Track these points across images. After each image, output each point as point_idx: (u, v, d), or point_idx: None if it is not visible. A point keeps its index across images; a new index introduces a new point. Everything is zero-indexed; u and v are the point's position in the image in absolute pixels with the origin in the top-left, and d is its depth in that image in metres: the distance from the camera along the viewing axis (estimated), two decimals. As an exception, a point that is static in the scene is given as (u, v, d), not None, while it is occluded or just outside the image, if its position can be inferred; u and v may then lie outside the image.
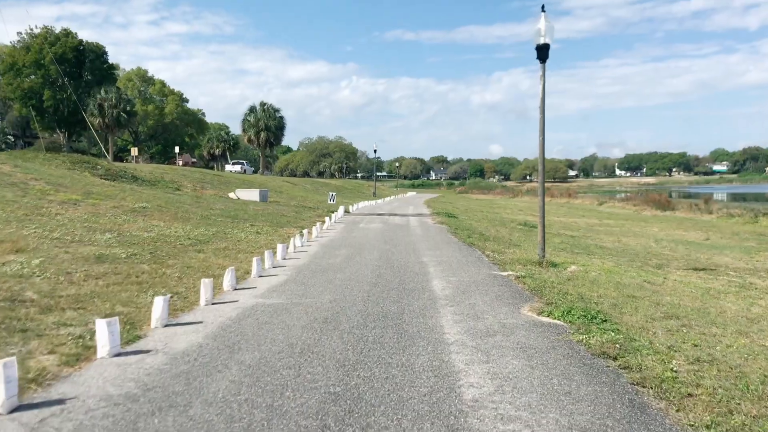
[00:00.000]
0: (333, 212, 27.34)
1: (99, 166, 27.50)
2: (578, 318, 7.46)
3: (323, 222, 22.50)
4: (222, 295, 8.97)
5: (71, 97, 70.63)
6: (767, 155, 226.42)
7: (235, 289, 9.42)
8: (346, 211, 31.37)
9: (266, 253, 12.14)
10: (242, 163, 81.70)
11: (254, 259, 10.99)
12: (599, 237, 26.39)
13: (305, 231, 18.11)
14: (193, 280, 9.98)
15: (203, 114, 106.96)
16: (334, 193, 37.44)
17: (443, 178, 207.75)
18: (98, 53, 73.96)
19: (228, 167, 78.01)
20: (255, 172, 77.08)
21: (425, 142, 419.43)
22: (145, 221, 17.26)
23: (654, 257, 19.37)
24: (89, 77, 72.51)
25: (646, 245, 23.71)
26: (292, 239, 15.35)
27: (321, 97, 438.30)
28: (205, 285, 8.20)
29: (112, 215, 17.22)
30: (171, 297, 8.16)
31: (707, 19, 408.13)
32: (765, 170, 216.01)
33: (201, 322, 7.17)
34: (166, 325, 6.88)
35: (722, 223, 44.03)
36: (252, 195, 29.71)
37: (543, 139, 14.57)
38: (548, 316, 7.68)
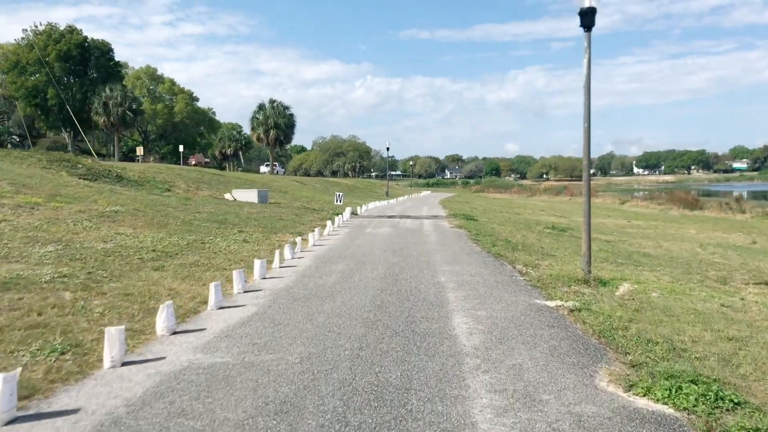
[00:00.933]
0: (338, 214, 24.56)
1: (80, 165, 24.91)
2: (694, 399, 4.59)
3: (325, 226, 19.72)
4: (148, 345, 6.19)
5: (76, 95, 68.65)
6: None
7: (174, 333, 6.65)
8: (354, 213, 28.59)
9: (236, 274, 9.35)
10: (276, 165, 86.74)
11: (212, 285, 8.17)
12: (637, 241, 23.40)
13: (299, 239, 15.31)
14: (125, 316, 7.25)
15: (213, 113, 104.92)
16: (341, 194, 34.65)
17: (458, 176, 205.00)
18: (104, 50, 71.83)
19: (263, 168, 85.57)
20: (285, 173, 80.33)
21: (440, 140, 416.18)
22: (110, 228, 14.57)
23: (709, 267, 16.44)
24: (94, 75, 70.41)
25: (692, 251, 20.72)
26: (277, 252, 12.55)
27: (335, 96, 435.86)
28: (112, 337, 5.39)
29: (72, 221, 14.54)
30: (56, 357, 5.40)
31: (726, 15, 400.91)
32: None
33: (75, 411, 4.38)
34: (7, 423, 4.10)
35: (760, 223, 40.85)
36: (250, 196, 27.06)
37: (588, 125, 11.71)
38: (644, 395, 4.78)
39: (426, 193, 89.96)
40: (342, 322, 7.20)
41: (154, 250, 12.53)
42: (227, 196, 27.04)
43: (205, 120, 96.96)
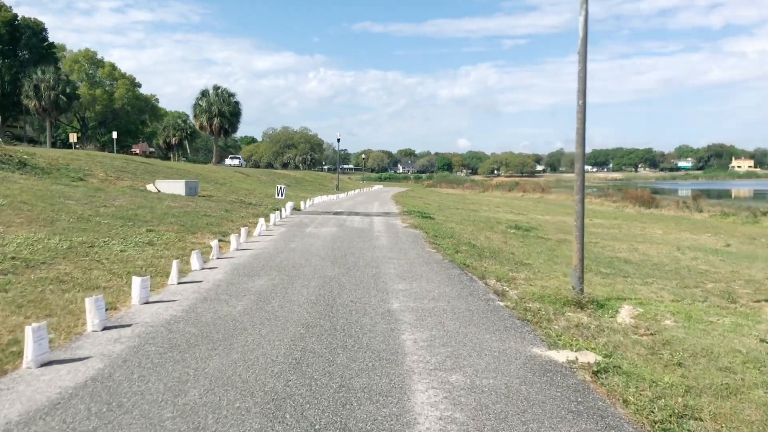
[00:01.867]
0: (277, 210, 21.48)
1: (-29, 149, 21.15)
2: None
3: (258, 224, 16.65)
4: None
5: (5, 77, 63.26)
6: (730, 152, 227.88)
7: None
8: (296, 209, 25.53)
9: (89, 303, 6.30)
10: (239, 158, 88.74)
11: (29, 329, 5.13)
12: (609, 244, 21.09)
13: (214, 243, 12.24)
14: None
15: (157, 100, 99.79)
16: (283, 186, 31.45)
17: (411, 171, 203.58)
18: (36, 30, 66.51)
19: (227, 161, 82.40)
20: (246, 165, 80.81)
21: (393, 135, 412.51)
22: (-31, 227, 11.30)
23: (702, 277, 14.14)
24: (26, 56, 65.12)
25: (672, 256, 18.48)
26: (175, 263, 9.47)
27: (288, 88, 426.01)
28: None
29: None
30: None
31: (672, 17, 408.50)
32: (728, 167, 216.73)
33: None
34: None
35: (719, 222, 39.52)
36: (176, 188, 23.72)
37: (584, 102, 9.10)
38: None
39: (378, 187, 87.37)
40: (225, 405, 4.31)
41: (13, 258, 9.36)
42: (150, 187, 23.67)
43: (148, 107, 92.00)
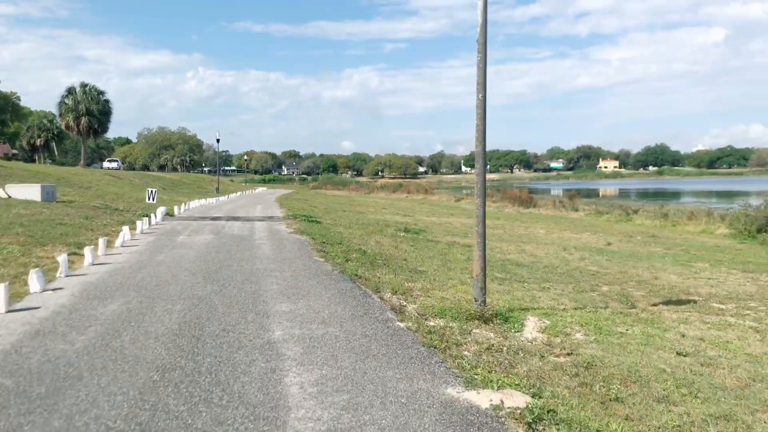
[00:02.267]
0: (146, 216, 19.43)
1: None
2: None
3: (121, 233, 14.72)
4: None
5: None
6: (597, 153, 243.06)
7: None
8: (169, 214, 23.46)
9: None
10: (117, 161, 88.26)
11: None
12: (497, 245, 20.75)
13: (62, 258, 10.36)
14: None
15: (18, 98, 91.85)
16: (154, 190, 29.03)
17: (296, 173, 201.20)
18: None
19: (105, 164, 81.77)
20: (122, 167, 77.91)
21: (277, 136, 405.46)
22: None
23: (595, 279, 13.88)
24: None
25: (560, 257, 18.37)
26: (2, 286, 7.66)
27: (166, 87, 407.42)
28: None
29: None
30: None
31: (543, 25, 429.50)
32: (596, 167, 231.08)
33: None
34: None
35: (595, 221, 41.13)
36: (30, 192, 20.98)
37: (484, 95, 8.26)
38: None
39: (262, 189, 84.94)
40: None
41: None
42: (-1, 192, 20.83)
43: (8, 106, 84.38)
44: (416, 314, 7.69)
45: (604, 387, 5.10)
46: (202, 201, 35.57)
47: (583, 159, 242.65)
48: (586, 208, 49.41)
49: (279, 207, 33.00)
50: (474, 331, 7.13)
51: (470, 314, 7.89)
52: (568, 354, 6.40)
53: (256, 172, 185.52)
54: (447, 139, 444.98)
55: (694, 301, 11.46)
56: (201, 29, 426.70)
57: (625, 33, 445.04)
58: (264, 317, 7.17)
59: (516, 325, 7.88)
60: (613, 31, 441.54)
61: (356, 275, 10.37)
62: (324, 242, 15.22)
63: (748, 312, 10.63)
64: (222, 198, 44.05)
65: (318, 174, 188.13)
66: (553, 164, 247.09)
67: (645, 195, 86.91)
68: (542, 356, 6.13)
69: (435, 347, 5.94)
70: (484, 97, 8.26)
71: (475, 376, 5.06)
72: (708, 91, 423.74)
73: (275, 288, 9.11)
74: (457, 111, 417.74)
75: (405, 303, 8.44)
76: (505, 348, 6.27)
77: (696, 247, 24.00)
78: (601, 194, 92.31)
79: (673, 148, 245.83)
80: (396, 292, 9.19)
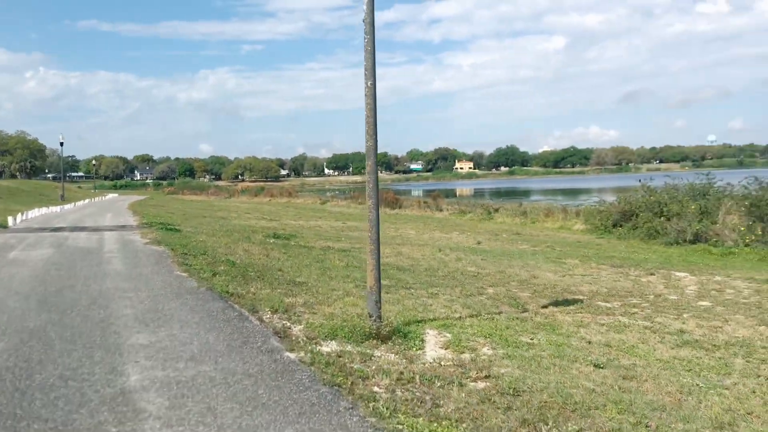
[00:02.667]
0: (-29, 230, 16.64)
1: None
2: None
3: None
4: None
5: None
6: (454, 155, 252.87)
7: None
8: (2, 225, 20.49)
9: None
10: None
11: None
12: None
13: None
14: None
15: None
16: (-16, 199, 25.53)
17: (150, 178, 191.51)
18: None
19: None
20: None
21: (128, 140, 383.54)
22: None
23: (476, 281, 13.41)
24: None
25: (437, 258, 17.93)
26: None
27: (2, 88, 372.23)
28: None
29: None
30: None
31: (398, 30, 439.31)
32: (453, 168, 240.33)
33: None
34: None
35: (459, 220, 41.86)
36: None
37: (373, 83, 7.29)
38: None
39: (113, 196, 79.43)
40: None
41: None
42: None
43: None
44: (305, 338, 6.54)
45: (547, 424, 4.25)
46: (44, 210, 31.97)
47: (441, 160, 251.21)
48: (449, 207, 50.17)
49: (132, 214, 30.29)
50: (375, 354, 6.12)
51: (366, 332, 6.89)
52: (486, 377, 5.54)
53: (106, 178, 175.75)
54: (309, 142, 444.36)
55: (581, 301, 11.21)
56: (40, 27, 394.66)
57: (474, 40, 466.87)
58: (116, 354, 5.69)
59: (416, 342, 7.00)
60: (463, 37, 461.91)
61: (227, 292, 9.00)
62: (186, 253, 13.56)
63: (635, 310, 10.47)
64: (68, 206, 40.12)
65: (174, 178, 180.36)
66: (413, 166, 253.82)
67: (498, 194, 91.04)
68: (460, 384, 5.22)
69: (339, 386, 4.81)
70: (374, 84, 7.29)
71: (399, 427, 4.01)
72: (551, 96, 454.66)
73: (130, 313, 7.56)
74: (319, 113, 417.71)
75: (289, 324, 7.26)
76: (417, 376, 5.29)
77: (560, 243, 24.58)
78: (458, 194, 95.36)
79: (522, 149, 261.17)
80: (276, 310, 7.97)
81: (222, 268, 11.59)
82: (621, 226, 27.70)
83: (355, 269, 13.73)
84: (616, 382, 5.83)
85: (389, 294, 10.81)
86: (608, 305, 10.90)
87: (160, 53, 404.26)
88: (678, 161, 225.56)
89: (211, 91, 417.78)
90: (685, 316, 9.99)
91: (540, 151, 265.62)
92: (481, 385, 5.28)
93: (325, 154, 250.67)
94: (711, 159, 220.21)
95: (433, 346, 6.98)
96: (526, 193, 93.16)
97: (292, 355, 5.68)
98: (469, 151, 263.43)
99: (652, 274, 15.15)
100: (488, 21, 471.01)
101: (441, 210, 49.96)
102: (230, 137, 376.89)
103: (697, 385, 6.02)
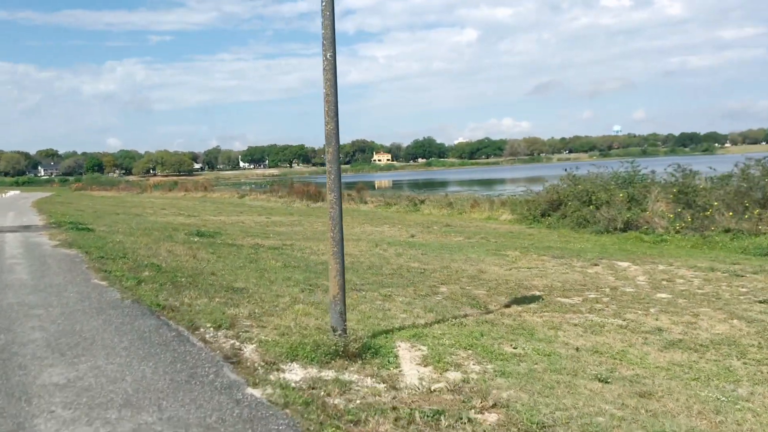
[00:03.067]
0: None
1: None
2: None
3: None
4: None
5: None
6: (372, 147, 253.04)
7: None
8: None
9: None
10: None
11: None
12: (306, 245, 18.79)
13: None
14: None
15: None
16: None
17: (55, 174, 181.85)
18: None
19: None
20: None
21: (30, 134, 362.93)
22: None
23: (425, 279, 12.54)
24: None
25: (375, 254, 17.00)
26: None
27: None
28: None
29: None
30: None
31: (311, 21, 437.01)
32: (371, 161, 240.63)
33: None
34: None
35: (386, 212, 41.14)
36: None
37: (333, 54, 6.21)
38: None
39: (14, 193, 74.33)
40: None
41: None
42: None
43: None
44: (262, 362, 5.41)
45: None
46: (-69, 210, 28.80)
47: (359, 153, 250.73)
48: (374, 200, 49.34)
49: (38, 213, 27.75)
50: (351, 380, 5.08)
51: (332, 350, 5.86)
52: (493, 406, 4.62)
53: (6, 174, 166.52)
54: (223, 134, 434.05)
55: (540, 297, 10.54)
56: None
57: (388, 31, 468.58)
58: (22, 401, 4.38)
59: (390, 359, 6.05)
60: (377, 29, 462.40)
61: (158, 305, 7.67)
62: (102, 257, 11.99)
63: (599, 306, 9.85)
64: (-41, 205, 36.60)
65: (81, 174, 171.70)
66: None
67: (417, 186, 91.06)
68: (469, 419, 4.27)
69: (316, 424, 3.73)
70: (334, 56, 6.19)
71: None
72: (465, 88, 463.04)
73: (39, 337, 6.16)
74: (233, 105, 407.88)
75: (238, 344, 6.09)
76: (416, 413, 4.29)
77: (492, 234, 24.11)
78: (377, 186, 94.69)
79: (438, 140, 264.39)
80: (220, 326, 6.76)
81: (147, 273, 10.16)
82: (549, 215, 27.56)
83: (295, 270, 12.59)
84: (633, 401, 5.05)
85: (358, 295, 9.80)
86: (569, 301, 10.28)
87: (62, 43, 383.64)
88: (586, 151, 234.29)
89: (119, 82, 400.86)
90: (652, 311, 9.47)
91: (456, 142, 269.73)
92: (492, 417, 4.35)
93: (239, 146, 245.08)
94: (617, 148, 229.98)
95: (410, 363, 6.03)
96: (443, 184, 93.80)
97: (257, 392, 4.53)
98: (387, 143, 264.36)
99: (596, 264, 14.73)
100: (400, 13, 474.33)
101: (365, 202, 49.01)
102: (140, 131, 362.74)
103: (717, 398, 5.33)
